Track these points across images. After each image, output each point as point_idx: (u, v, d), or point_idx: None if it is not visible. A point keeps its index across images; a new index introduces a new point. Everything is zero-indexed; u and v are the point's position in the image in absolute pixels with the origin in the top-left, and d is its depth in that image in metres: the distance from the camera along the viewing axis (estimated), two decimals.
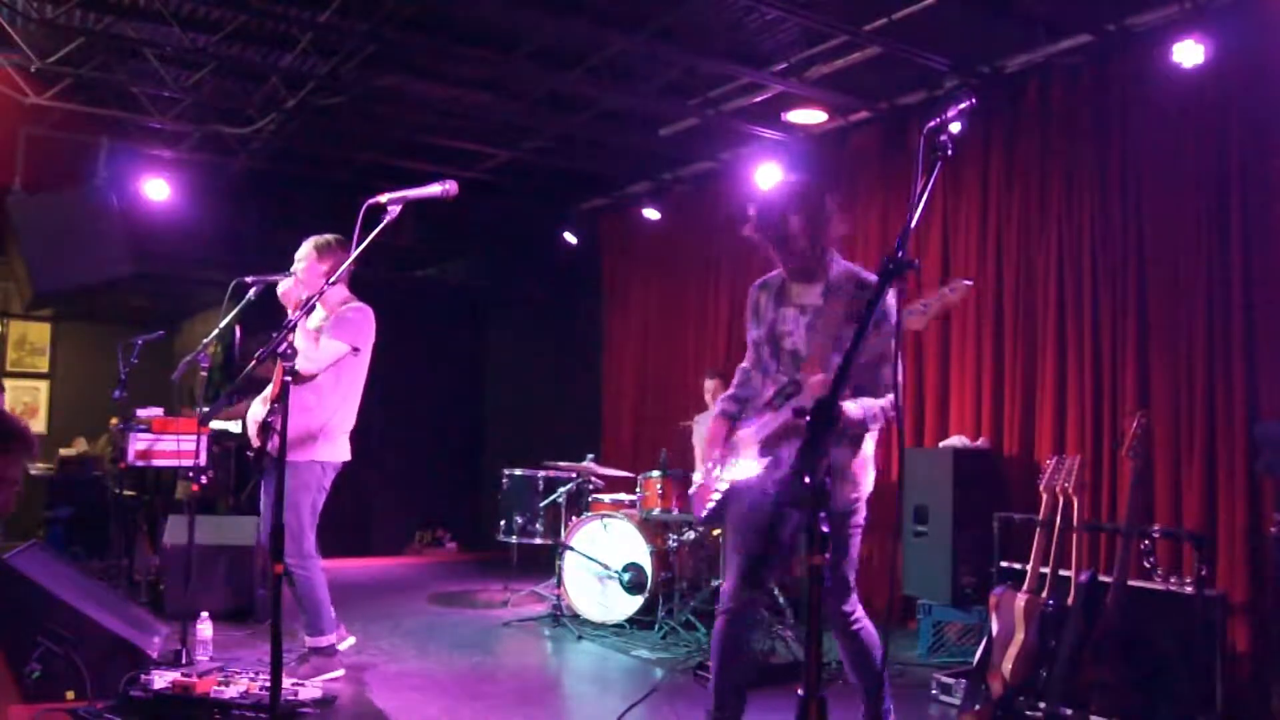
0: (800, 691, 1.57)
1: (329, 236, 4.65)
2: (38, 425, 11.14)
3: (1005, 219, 5.90)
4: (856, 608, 3.27)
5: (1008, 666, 3.74)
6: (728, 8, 5.39)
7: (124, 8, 5.65)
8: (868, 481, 3.25)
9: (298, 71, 6.29)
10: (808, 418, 1.66)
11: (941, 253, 6.24)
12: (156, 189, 7.39)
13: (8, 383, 11.34)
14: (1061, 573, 3.80)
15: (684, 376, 8.12)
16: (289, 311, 4.53)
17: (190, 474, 6.14)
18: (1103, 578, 3.84)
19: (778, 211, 3.15)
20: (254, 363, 3.18)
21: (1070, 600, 3.72)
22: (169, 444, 6.28)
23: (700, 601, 5.78)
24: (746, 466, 3.19)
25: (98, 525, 7.79)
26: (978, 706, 3.82)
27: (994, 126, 5.94)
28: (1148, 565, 4.34)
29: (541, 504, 6.70)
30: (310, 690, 4.01)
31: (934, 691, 4.52)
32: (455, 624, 6.18)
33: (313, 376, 4.46)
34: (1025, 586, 3.84)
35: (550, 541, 6.59)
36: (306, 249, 4.69)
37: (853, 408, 2.99)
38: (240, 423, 7.26)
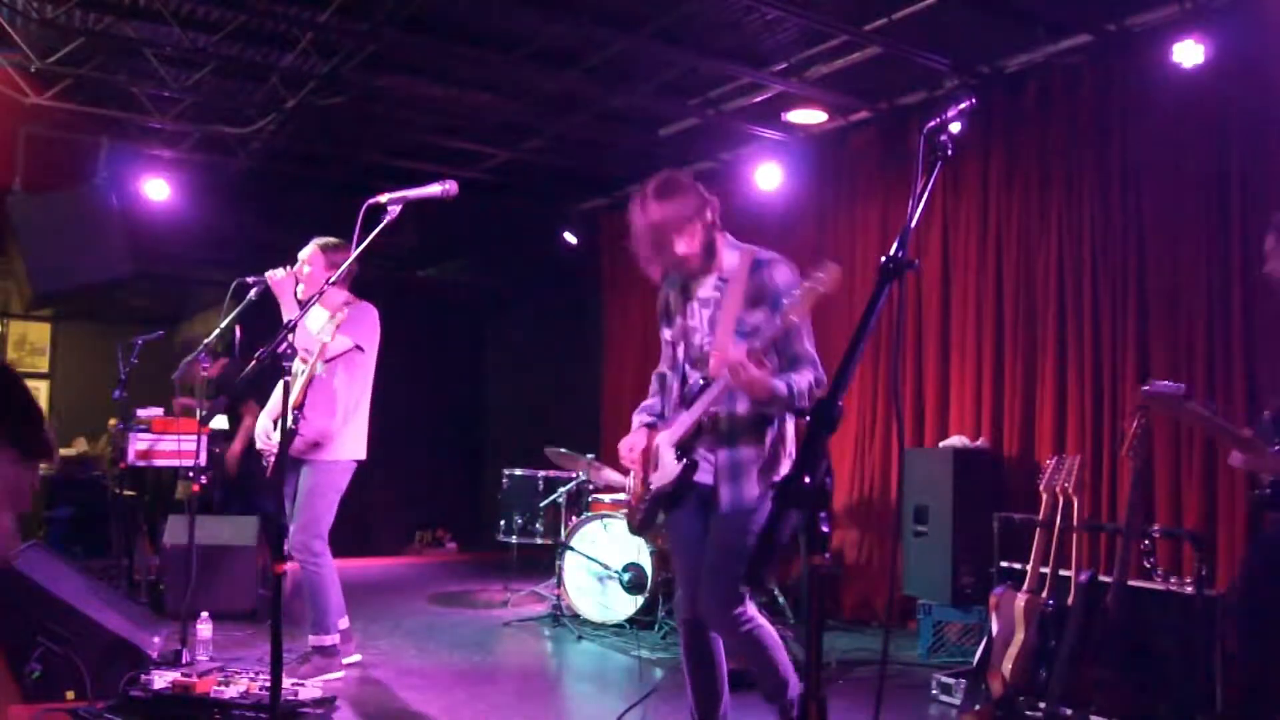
0: (800, 691, 1.57)
1: (335, 240, 4.67)
2: None
3: (1005, 219, 5.90)
4: (748, 608, 3.04)
5: (1008, 666, 3.74)
6: (728, 8, 5.39)
7: (124, 8, 5.64)
8: (777, 474, 3.08)
9: (298, 71, 6.29)
10: (808, 418, 1.66)
11: (941, 253, 6.24)
12: (156, 189, 7.39)
13: None
14: (1061, 573, 3.80)
15: None
16: (280, 302, 4.55)
17: (190, 474, 6.14)
18: (1103, 578, 3.84)
19: (666, 239, 3.02)
20: (254, 362, 3.18)
21: (1070, 600, 3.72)
22: (169, 444, 6.28)
23: None
24: (665, 470, 3.09)
25: (98, 525, 7.79)
26: (978, 706, 3.82)
27: (994, 126, 5.94)
28: (1148, 565, 4.34)
29: (541, 504, 6.70)
30: (310, 690, 4.01)
31: (934, 691, 4.52)
32: (455, 624, 6.18)
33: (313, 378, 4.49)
34: (1025, 586, 3.84)
35: (550, 541, 6.59)
36: (312, 250, 4.71)
37: (779, 384, 2.88)
38: (224, 419, 7.25)
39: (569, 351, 9.80)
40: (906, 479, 5.62)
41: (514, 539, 6.82)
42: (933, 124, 1.98)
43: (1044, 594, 3.77)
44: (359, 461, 4.76)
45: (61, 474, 8.89)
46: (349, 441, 4.68)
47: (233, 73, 6.46)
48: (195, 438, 5.84)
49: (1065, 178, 5.57)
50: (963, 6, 5.18)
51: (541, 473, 6.83)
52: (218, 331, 4.84)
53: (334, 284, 3.77)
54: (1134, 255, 5.22)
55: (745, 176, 7.23)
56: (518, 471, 6.92)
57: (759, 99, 6.53)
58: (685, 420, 3.04)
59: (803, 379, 2.94)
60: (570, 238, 8.86)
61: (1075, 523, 3.84)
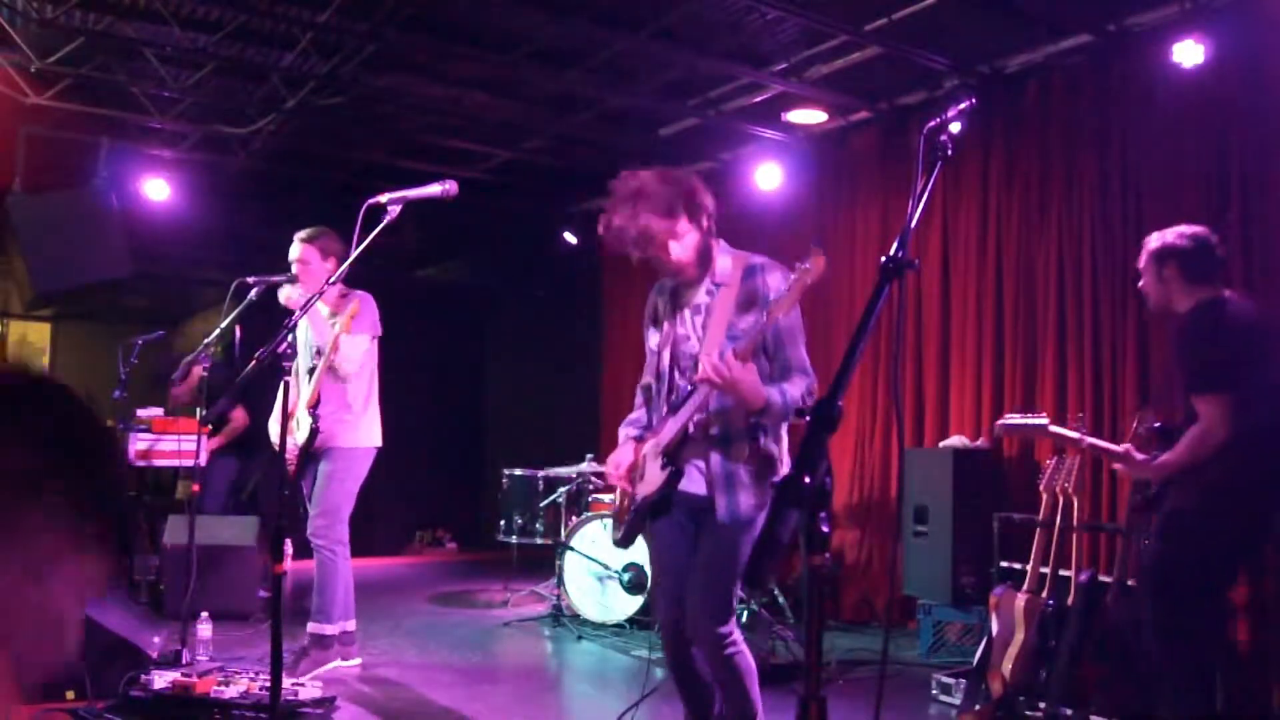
0: (800, 691, 1.57)
1: (312, 229, 4.70)
2: None
3: (1005, 219, 5.90)
4: (734, 630, 2.95)
5: (1008, 666, 3.74)
6: (728, 8, 5.39)
7: (124, 8, 5.64)
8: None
9: (298, 71, 6.29)
10: (807, 417, 1.65)
11: (941, 253, 6.24)
12: (156, 189, 7.39)
13: None
14: (1061, 573, 3.80)
15: None
16: (311, 325, 4.60)
17: (190, 474, 6.14)
18: (1103, 578, 3.84)
19: (659, 247, 2.94)
20: (254, 363, 3.18)
21: (1070, 600, 3.72)
22: (169, 444, 6.29)
23: None
24: (650, 478, 3.02)
25: None
26: (978, 706, 3.83)
27: (994, 126, 5.94)
28: None
29: (541, 504, 6.71)
30: (310, 690, 4.01)
31: (934, 691, 4.52)
32: (455, 624, 6.18)
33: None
34: (1025, 586, 3.84)
35: (550, 541, 6.59)
36: (300, 247, 4.70)
37: (771, 392, 2.81)
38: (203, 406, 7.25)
39: (569, 351, 9.81)
40: (906, 479, 5.62)
41: (514, 539, 6.82)
42: (933, 124, 1.97)
43: (1044, 594, 3.77)
44: (377, 448, 4.84)
45: None
46: (368, 428, 4.77)
47: (233, 73, 6.46)
48: (195, 438, 5.84)
49: (1065, 177, 5.57)
50: (963, 6, 5.18)
51: (541, 473, 6.83)
52: (218, 331, 4.85)
53: (333, 283, 3.77)
54: (1134, 255, 5.17)
55: (745, 176, 7.23)
56: (518, 471, 6.93)
57: (759, 99, 6.53)
58: (671, 427, 2.96)
59: (795, 389, 2.86)
60: (570, 238, 8.86)
61: (1075, 523, 3.84)
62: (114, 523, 0.99)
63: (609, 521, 6.06)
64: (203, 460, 5.78)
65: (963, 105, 2.03)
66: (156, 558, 6.36)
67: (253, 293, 4.57)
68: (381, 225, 3.10)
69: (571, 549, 6.07)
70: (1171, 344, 3.44)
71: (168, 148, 7.56)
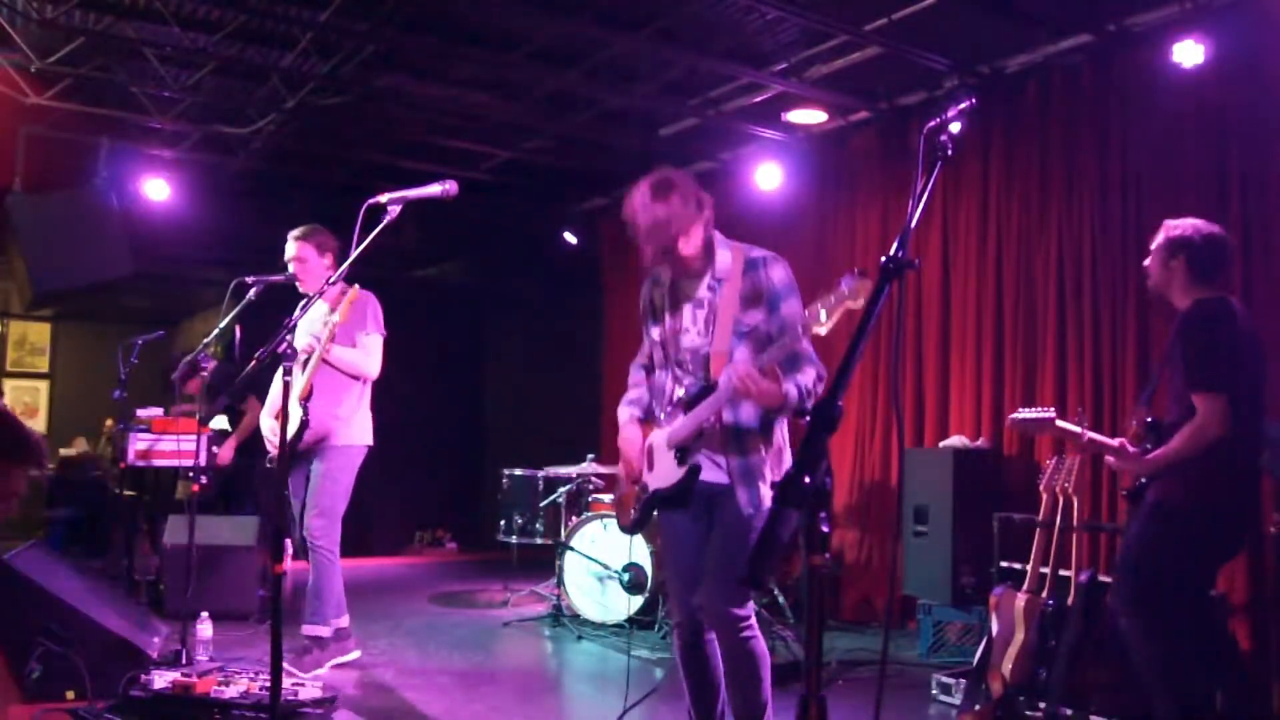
0: (800, 692, 1.57)
1: (304, 226, 4.72)
2: (38, 425, 11.14)
3: (1005, 219, 5.90)
4: (751, 615, 2.99)
5: (1008, 666, 3.74)
6: (728, 8, 5.39)
7: (124, 8, 5.64)
8: (780, 473, 3.06)
9: (298, 71, 6.28)
10: (808, 418, 1.65)
11: (941, 253, 6.24)
12: (156, 189, 7.39)
13: (8, 383, 11.36)
14: (1061, 573, 3.80)
15: None
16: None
17: (190, 474, 6.14)
18: (1103, 578, 3.84)
19: (671, 239, 2.97)
20: (254, 363, 3.18)
21: (1070, 600, 3.72)
22: (169, 444, 6.28)
23: None
24: (666, 472, 3.03)
25: (98, 525, 7.80)
26: (978, 706, 3.83)
27: (994, 126, 5.94)
28: None
29: (541, 504, 6.70)
30: (310, 690, 4.01)
31: (934, 691, 4.52)
32: (455, 624, 6.18)
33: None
34: (1025, 586, 3.84)
35: (550, 541, 6.59)
36: (303, 247, 4.71)
37: (789, 388, 2.84)
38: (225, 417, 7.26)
39: (569, 351, 9.81)
40: (906, 479, 5.62)
41: (514, 539, 6.82)
42: (933, 124, 1.97)
43: (1044, 594, 3.77)
44: (368, 447, 4.84)
45: (61, 474, 8.90)
46: (359, 426, 4.77)
47: (233, 73, 6.46)
48: (195, 438, 5.84)
49: (1065, 178, 5.57)
50: (963, 6, 5.18)
51: (541, 473, 6.83)
52: (217, 331, 4.84)
53: (333, 283, 3.77)
54: (1134, 255, 5.21)
55: (745, 176, 7.22)
56: (518, 471, 6.92)
57: (759, 99, 6.53)
58: (687, 424, 2.97)
59: (806, 377, 2.90)
60: (570, 238, 8.86)
61: (1075, 523, 3.84)
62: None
63: (609, 521, 6.06)
64: (203, 460, 5.79)
65: (963, 105, 2.03)
66: (156, 558, 6.37)
67: (252, 292, 4.56)
68: (381, 225, 3.10)
69: (571, 549, 6.07)
70: (1173, 338, 3.44)
71: (168, 148, 7.56)
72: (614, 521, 6.03)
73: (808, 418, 1.62)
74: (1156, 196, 5.12)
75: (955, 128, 1.96)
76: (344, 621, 4.79)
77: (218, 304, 4.73)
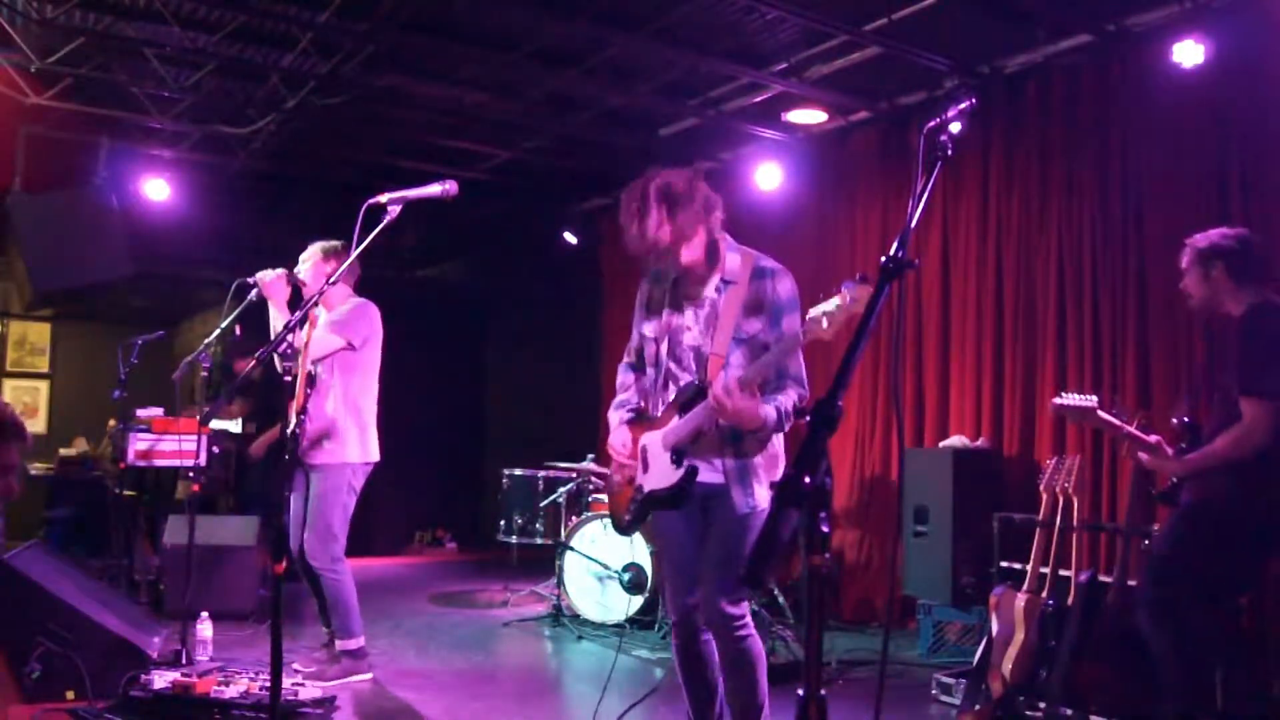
0: (800, 691, 1.57)
1: (336, 243, 4.67)
2: (38, 425, 11.13)
3: (1005, 219, 5.90)
4: (747, 614, 2.99)
5: (1008, 666, 3.74)
6: (728, 8, 5.39)
7: (124, 8, 5.65)
8: (776, 475, 3.06)
9: (298, 71, 6.29)
10: (808, 418, 1.65)
11: (941, 253, 6.24)
12: (156, 189, 7.39)
13: (8, 383, 11.36)
14: (1061, 573, 3.80)
15: None
16: (270, 304, 4.54)
17: (190, 474, 6.14)
18: (1103, 578, 3.84)
19: (672, 253, 2.97)
20: (254, 362, 3.18)
21: (1070, 600, 3.72)
22: (169, 444, 6.28)
23: None
24: (662, 473, 3.01)
25: (98, 525, 7.78)
26: (978, 706, 3.83)
27: (994, 126, 5.94)
28: None
29: (541, 504, 6.70)
30: (310, 690, 4.02)
31: (934, 691, 4.52)
32: (455, 624, 6.18)
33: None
34: (1025, 586, 3.84)
35: (550, 541, 6.59)
36: (313, 250, 4.71)
37: (769, 412, 2.84)
38: (239, 422, 7.28)
39: (569, 351, 9.80)
40: (906, 479, 5.62)
41: (514, 539, 6.82)
42: (933, 124, 1.97)
43: (1044, 594, 3.77)
44: (372, 464, 4.67)
45: (61, 474, 8.89)
46: (352, 442, 4.59)
47: (233, 73, 6.46)
48: (195, 438, 5.84)
49: (1065, 178, 5.57)
50: (963, 6, 5.18)
51: (541, 473, 6.83)
52: (218, 331, 4.84)
53: (334, 284, 3.77)
54: (1134, 255, 5.22)
55: (745, 176, 7.22)
56: (518, 471, 6.92)
57: (759, 99, 6.53)
58: (682, 427, 2.96)
59: (787, 400, 2.91)
60: (570, 238, 8.86)
61: (1075, 523, 3.84)
62: None
63: (609, 521, 6.05)
64: (202, 460, 5.79)
65: (963, 105, 2.03)
66: (156, 558, 6.37)
67: (253, 293, 4.56)
68: (381, 225, 3.10)
69: (571, 549, 6.07)
70: (1234, 341, 3.43)
71: (168, 148, 7.56)
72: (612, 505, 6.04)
73: (808, 418, 1.62)
74: (1156, 196, 5.12)
75: (955, 128, 1.96)
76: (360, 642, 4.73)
77: (218, 304, 4.73)
